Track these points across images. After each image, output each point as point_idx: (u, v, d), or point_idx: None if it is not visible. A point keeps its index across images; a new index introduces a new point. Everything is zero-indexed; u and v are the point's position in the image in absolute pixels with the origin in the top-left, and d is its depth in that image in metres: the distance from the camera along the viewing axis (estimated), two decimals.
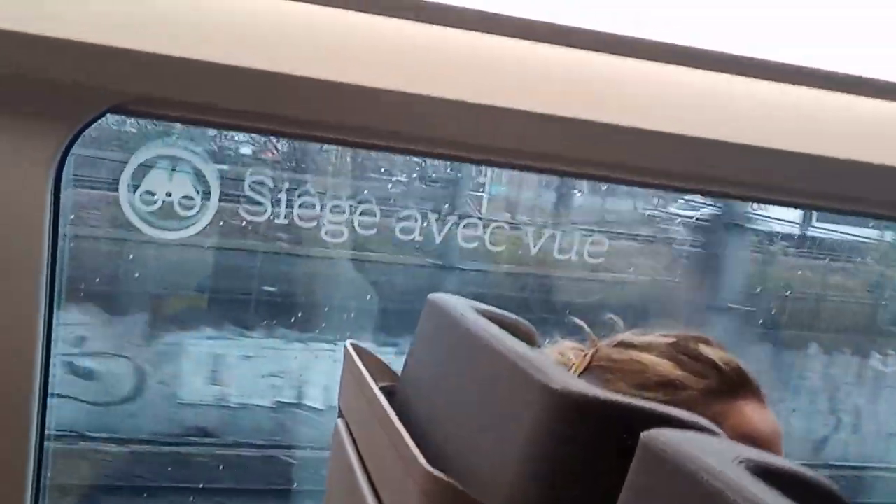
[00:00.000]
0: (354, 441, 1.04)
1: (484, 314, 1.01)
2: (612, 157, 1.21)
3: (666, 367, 0.92)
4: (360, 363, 1.08)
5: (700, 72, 1.19)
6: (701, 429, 0.70)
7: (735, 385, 0.92)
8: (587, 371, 0.96)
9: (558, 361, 0.99)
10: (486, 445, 0.80)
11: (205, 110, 1.10)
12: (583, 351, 0.99)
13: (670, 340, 0.96)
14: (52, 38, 1.02)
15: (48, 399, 1.38)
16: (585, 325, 1.02)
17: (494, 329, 0.91)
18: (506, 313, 1.07)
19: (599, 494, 0.66)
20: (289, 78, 1.06)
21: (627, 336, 0.99)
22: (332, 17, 1.04)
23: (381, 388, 1.06)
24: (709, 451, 0.60)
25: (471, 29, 1.09)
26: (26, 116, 1.08)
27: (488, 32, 1.09)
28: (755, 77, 1.21)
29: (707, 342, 0.96)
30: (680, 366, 0.92)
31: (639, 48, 1.15)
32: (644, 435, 0.62)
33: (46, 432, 1.43)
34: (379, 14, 1.04)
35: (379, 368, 1.11)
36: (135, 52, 1.04)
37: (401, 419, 0.94)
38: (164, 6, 1.06)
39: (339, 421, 1.11)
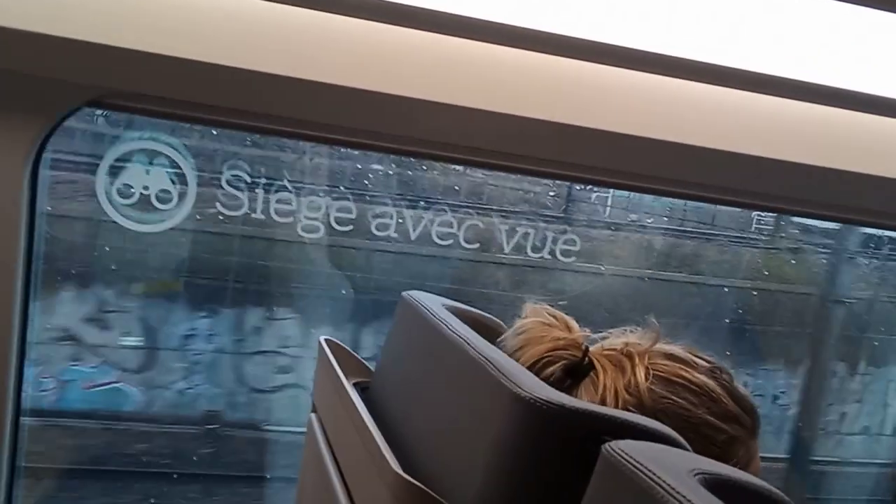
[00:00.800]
0: (327, 436, 1.05)
1: (456, 312, 1.02)
2: (604, 163, 1.23)
3: (729, 399, 0.94)
4: (332, 358, 1.09)
5: (700, 84, 1.21)
6: (665, 438, 0.72)
7: (759, 424, 0.97)
8: (655, 381, 0.92)
9: (546, 323, 0.96)
10: (455, 448, 0.82)
11: (183, 106, 1.10)
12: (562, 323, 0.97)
13: (707, 363, 0.97)
14: (29, 32, 1.02)
15: (23, 381, 1.39)
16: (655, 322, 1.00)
17: (466, 330, 0.92)
18: (478, 311, 1.08)
19: (566, 503, 0.68)
20: (265, 76, 1.06)
21: (669, 346, 0.97)
22: (310, 18, 1.05)
23: (355, 384, 1.08)
24: (667, 463, 0.62)
25: (468, 37, 1.10)
26: (3, 109, 1.08)
27: (485, 41, 1.11)
28: (750, 90, 1.23)
29: (730, 373, 0.98)
30: (734, 399, 0.95)
31: (639, 59, 1.17)
32: (605, 447, 0.64)
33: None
34: (356, 17, 1.05)
35: (353, 364, 1.13)
36: (113, 48, 1.04)
37: (373, 415, 0.95)
38: (142, 3, 1.06)
39: (313, 415, 1.13)
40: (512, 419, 0.73)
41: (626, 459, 0.62)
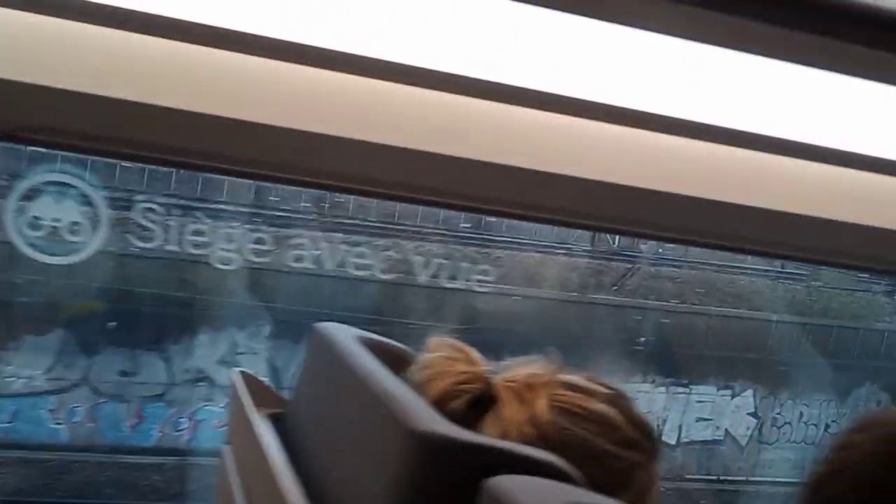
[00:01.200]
0: (238, 469, 1.06)
1: (367, 343, 1.04)
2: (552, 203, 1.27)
3: (628, 426, 0.97)
4: (244, 390, 1.10)
5: (635, 130, 1.24)
6: (557, 471, 0.74)
7: (659, 448, 1.00)
8: (556, 412, 0.94)
9: (449, 357, 0.97)
10: (358, 482, 0.83)
11: (97, 140, 1.10)
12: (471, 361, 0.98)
13: (607, 391, 0.99)
14: None
15: None
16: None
17: (371, 363, 0.94)
18: (389, 341, 1.10)
19: None
20: (178, 112, 1.07)
21: (570, 376, 0.99)
22: (226, 59, 1.05)
23: (269, 415, 1.08)
24: (547, 498, 0.65)
25: (396, 81, 1.11)
26: None
27: (415, 85, 1.12)
28: (704, 140, 1.27)
29: (630, 399, 1.01)
30: (634, 426, 0.97)
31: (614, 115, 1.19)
32: (487, 482, 0.67)
33: None
34: (273, 59, 1.06)
35: (267, 395, 1.14)
36: (23, 84, 1.03)
37: (287, 446, 0.97)
38: (51, 39, 1.06)
39: (226, 447, 1.14)
40: (408, 454, 0.75)
41: (506, 494, 0.64)
